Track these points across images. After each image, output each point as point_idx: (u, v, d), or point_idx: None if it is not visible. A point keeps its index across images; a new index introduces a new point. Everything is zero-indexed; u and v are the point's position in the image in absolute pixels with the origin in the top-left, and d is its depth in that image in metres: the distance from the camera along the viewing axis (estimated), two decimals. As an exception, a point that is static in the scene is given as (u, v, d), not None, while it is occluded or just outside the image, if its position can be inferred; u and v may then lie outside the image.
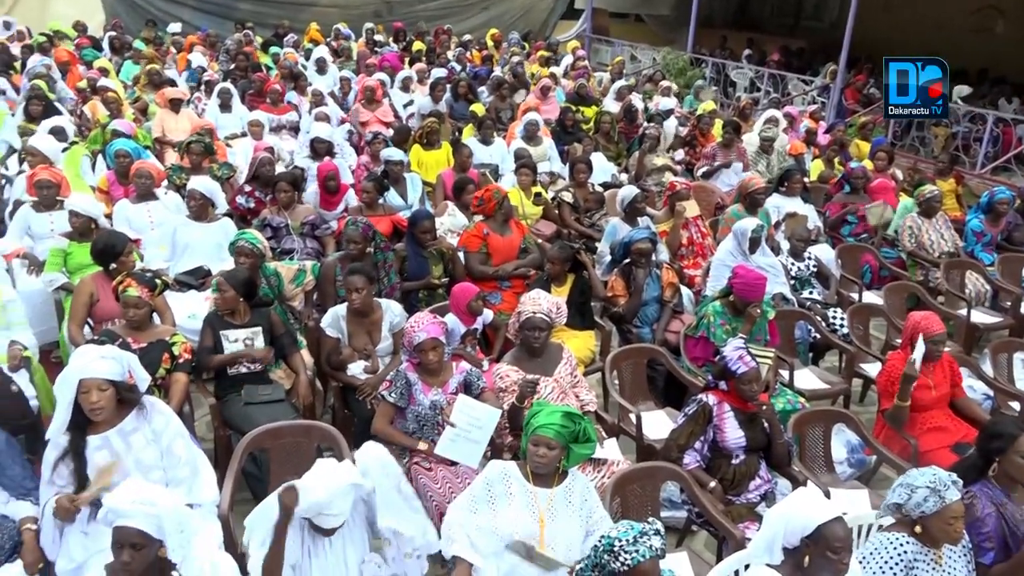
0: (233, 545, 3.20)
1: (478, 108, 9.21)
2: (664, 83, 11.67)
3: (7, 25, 12.68)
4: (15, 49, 11.21)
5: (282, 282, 4.78)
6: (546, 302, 3.95)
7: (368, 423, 3.79)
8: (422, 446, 3.59)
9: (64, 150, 6.58)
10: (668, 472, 3.55)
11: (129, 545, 2.37)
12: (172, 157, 7.26)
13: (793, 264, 5.85)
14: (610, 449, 3.84)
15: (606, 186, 7.50)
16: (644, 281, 5.16)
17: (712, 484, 3.52)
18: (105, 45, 12.29)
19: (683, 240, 6.18)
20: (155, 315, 4.19)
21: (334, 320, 4.30)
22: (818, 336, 5.26)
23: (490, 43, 15.04)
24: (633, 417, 4.20)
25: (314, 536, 2.88)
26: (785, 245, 6.10)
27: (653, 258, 5.29)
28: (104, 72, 9.85)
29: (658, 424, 4.32)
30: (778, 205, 6.67)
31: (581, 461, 3.29)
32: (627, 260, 5.24)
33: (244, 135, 7.97)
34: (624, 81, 11.53)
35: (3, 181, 6.67)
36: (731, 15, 19.83)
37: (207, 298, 4.84)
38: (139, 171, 5.73)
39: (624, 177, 8.20)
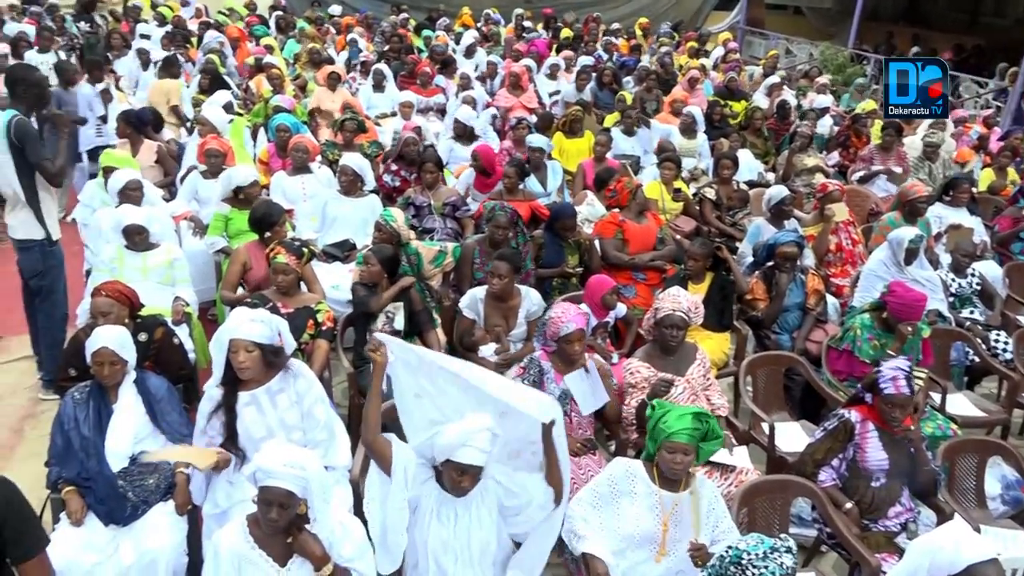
0: (362, 509, 3.33)
1: (626, 96, 9.10)
2: (820, 79, 11.10)
3: (186, 3, 13.64)
4: (192, 25, 12.05)
5: (422, 261, 4.90)
6: (685, 300, 3.85)
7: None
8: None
9: (229, 122, 7.02)
10: (801, 487, 3.40)
11: (278, 504, 2.50)
12: (326, 133, 7.59)
13: (954, 280, 5.44)
14: (740, 457, 3.72)
15: (751, 184, 7.23)
16: (787, 286, 4.94)
17: (848, 505, 3.34)
18: (271, 24, 13.00)
19: (832, 246, 5.87)
20: (303, 284, 4.41)
21: (472, 302, 4.38)
22: (976, 359, 4.88)
23: (639, 32, 14.81)
24: (766, 427, 4.05)
25: (441, 503, 2.81)
26: (946, 259, 5.69)
27: (798, 263, 5.06)
28: (269, 50, 10.42)
29: (792, 436, 4.15)
30: (941, 215, 6.22)
31: (708, 457, 3.20)
32: (770, 263, 5.04)
33: (394, 115, 8.23)
34: (777, 76, 11.06)
35: (175, 144, 7.19)
36: (899, 9, 18.62)
37: (351, 270, 5.03)
38: (297, 145, 6.03)
39: (771, 176, 7.88)
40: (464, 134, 7.16)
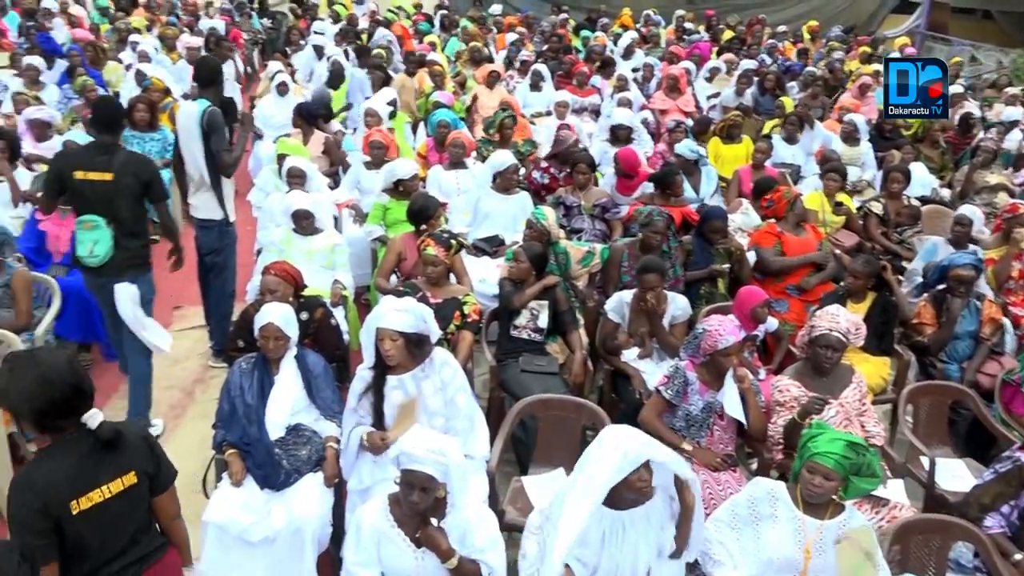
0: (495, 501, 3.39)
1: (787, 103, 8.72)
2: (1011, 90, 10.19)
3: (360, 1, 14.34)
4: (364, 23, 12.66)
5: (570, 261, 4.91)
6: (844, 320, 3.65)
7: (635, 410, 3.79)
8: (686, 446, 3.51)
9: (391, 116, 7.32)
10: (963, 530, 3.14)
11: (419, 487, 2.59)
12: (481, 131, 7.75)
13: None
14: (894, 490, 3.49)
15: (924, 200, 6.74)
16: (959, 312, 4.58)
17: (1018, 557, 3.06)
18: (436, 22, 13.44)
19: (1014, 272, 5.37)
20: (453, 275, 4.54)
21: (618, 305, 4.35)
22: None
23: (806, 36, 14.17)
24: (925, 461, 3.77)
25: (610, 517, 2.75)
26: None
27: (974, 288, 4.67)
28: (432, 47, 10.78)
29: (955, 474, 3.84)
30: None
31: (860, 496, 3.03)
32: (942, 286, 4.69)
33: (549, 114, 8.29)
34: (959, 86, 10.25)
35: (341, 135, 7.57)
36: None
37: (499, 265, 5.12)
38: (454, 141, 6.20)
39: (946, 193, 7.32)
40: (625, 137, 7.09)
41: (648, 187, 6.12)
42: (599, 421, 3.67)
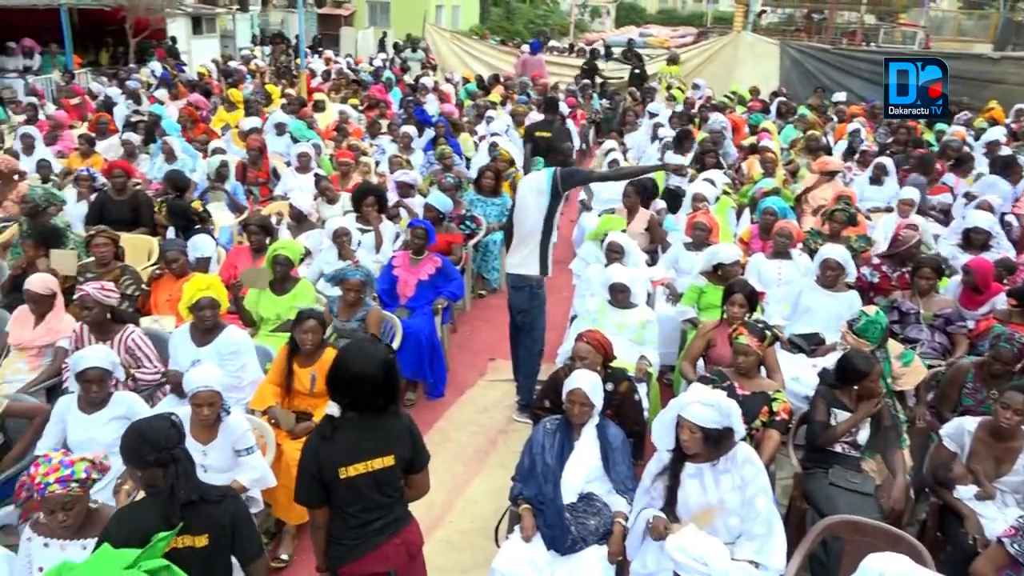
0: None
1: None
2: None
3: (696, 87, 14.62)
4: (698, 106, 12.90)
5: (889, 366, 4.45)
6: None
7: (965, 558, 3.27)
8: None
9: (716, 199, 7.29)
10: None
11: None
12: (810, 221, 7.41)
13: None
14: None
15: None
16: None
17: None
18: (772, 108, 13.23)
19: None
20: (764, 368, 4.33)
21: (957, 432, 3.82)
22: None
23: None
24: None
25: None
26: None
27: None
28: (767, 133, 10.60)
29: None
30: None
31: None
32: None
33: (889, 211, 7.68)
34: None
35: (663, 215, 7.69)
36: None
37: (813, 365, 4.80)
38: (781, 230, 5.99)
39: None
40: (980, 243, 6.31)
41: (1001, 301, 5.36)
42: (919, 559, 3.21)
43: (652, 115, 11.81)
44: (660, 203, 7.71)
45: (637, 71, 15.88)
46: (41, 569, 2.87)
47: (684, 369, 4.80)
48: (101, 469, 2.91)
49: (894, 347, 4.63)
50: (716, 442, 3.27)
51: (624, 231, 6.20)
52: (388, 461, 2.81)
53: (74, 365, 3.81)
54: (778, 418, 4.01)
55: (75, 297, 4.51)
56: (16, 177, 7.62)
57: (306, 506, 2.86)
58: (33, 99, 12.56)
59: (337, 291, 5.26)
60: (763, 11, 25.67)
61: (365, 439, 2.79)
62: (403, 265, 5.94)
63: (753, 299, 4.78)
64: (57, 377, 4.57)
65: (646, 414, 4.49)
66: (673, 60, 16.57)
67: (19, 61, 16.15)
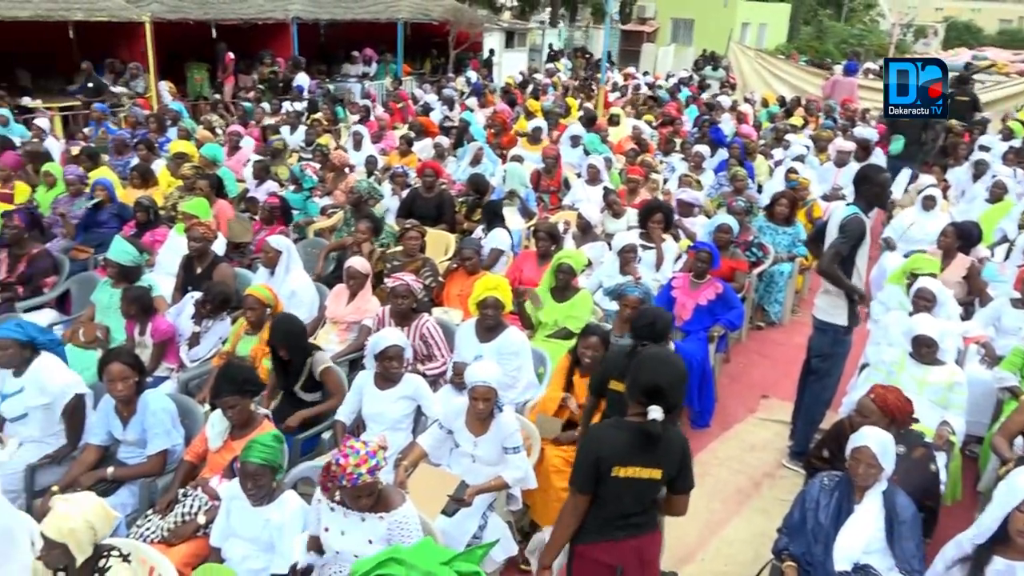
0: None
1: None
2: None
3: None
4: None
5: None
6: None
7: None
8: None
9: None
10: None
11: None
12: None
13: None
14: None
15: None
16: None
17: None
18: None
19: None
20: None
21: None
22: None
23: None
24: None
25: None
26: None
27: None
28: None
29: None
30: None
31: None
32: None
33: None
34: None
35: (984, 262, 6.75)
36: None
37: None
38: None
39: None
40: None
41: None
42: None
43: (984, 149, 10.41)
44: (983, 250, 6.80)
45: (967, 98, 14.07)
46: (327, 529, 3.18)
47: (997, 444, 4.16)
48: (384, 449, 3.14)
49: None
50: None
51: (936, 276, 5.52)
52: (655, 474, 2.87)
53: (374, 346, 4.20)
54: None
55: (391, 285, 4.97)
56: (347, 170, 8.68)
57: (577, 490, 2.92)
58: (367, 102, 14.24)
59: (614, 305, 5.28)
60: None
61: (638, 446, 2.83)
62: (683, 288, 5.82)
63: None
64: (359, 352, 5.09)
65: (942, 488, 3.96)
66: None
67: (359, 68, 18.35)
